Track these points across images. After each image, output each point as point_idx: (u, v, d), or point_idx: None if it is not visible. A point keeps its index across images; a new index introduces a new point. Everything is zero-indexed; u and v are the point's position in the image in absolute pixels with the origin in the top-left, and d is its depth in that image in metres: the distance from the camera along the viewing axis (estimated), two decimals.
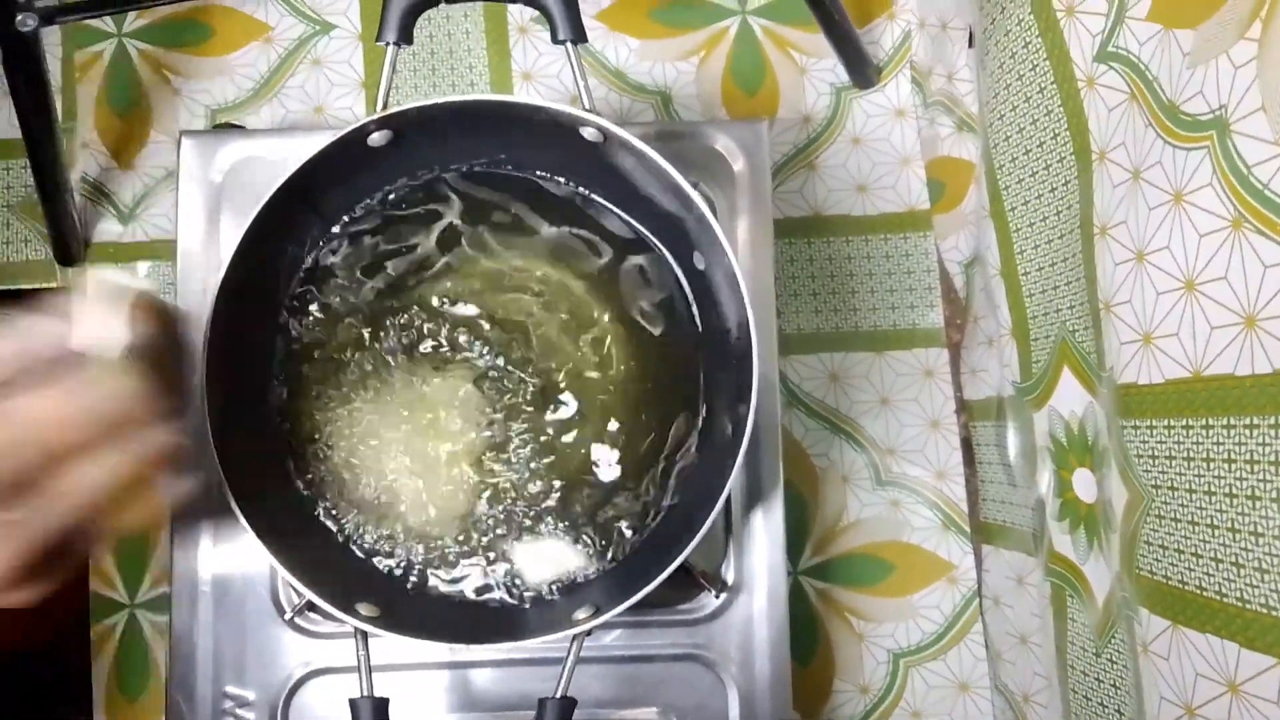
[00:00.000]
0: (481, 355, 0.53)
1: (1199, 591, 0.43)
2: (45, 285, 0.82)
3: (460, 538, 0.52)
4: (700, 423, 0.53)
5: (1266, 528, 0.40)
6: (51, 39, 0.83)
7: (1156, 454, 0.47)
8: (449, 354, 0.53)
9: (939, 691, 0.76)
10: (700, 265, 0.51)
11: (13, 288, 0.82)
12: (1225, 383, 0.41)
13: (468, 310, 0.53)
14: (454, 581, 0.51)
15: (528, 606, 0.51)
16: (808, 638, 0.76)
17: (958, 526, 0.77)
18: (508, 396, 0.53)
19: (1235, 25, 0.40)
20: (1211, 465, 0.43)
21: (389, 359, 0.53)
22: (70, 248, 0.79)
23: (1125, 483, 0.50)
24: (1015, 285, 0.64)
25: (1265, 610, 0.40)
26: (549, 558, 0.51)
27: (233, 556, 0.56)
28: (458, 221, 0.54)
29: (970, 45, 0.72)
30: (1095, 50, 0.52)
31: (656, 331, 0.53)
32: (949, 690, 0.76)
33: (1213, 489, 0.43)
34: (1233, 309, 0.41)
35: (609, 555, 0.52)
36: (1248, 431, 0.41)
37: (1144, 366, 0.47)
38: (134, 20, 0.84)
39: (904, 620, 0.77)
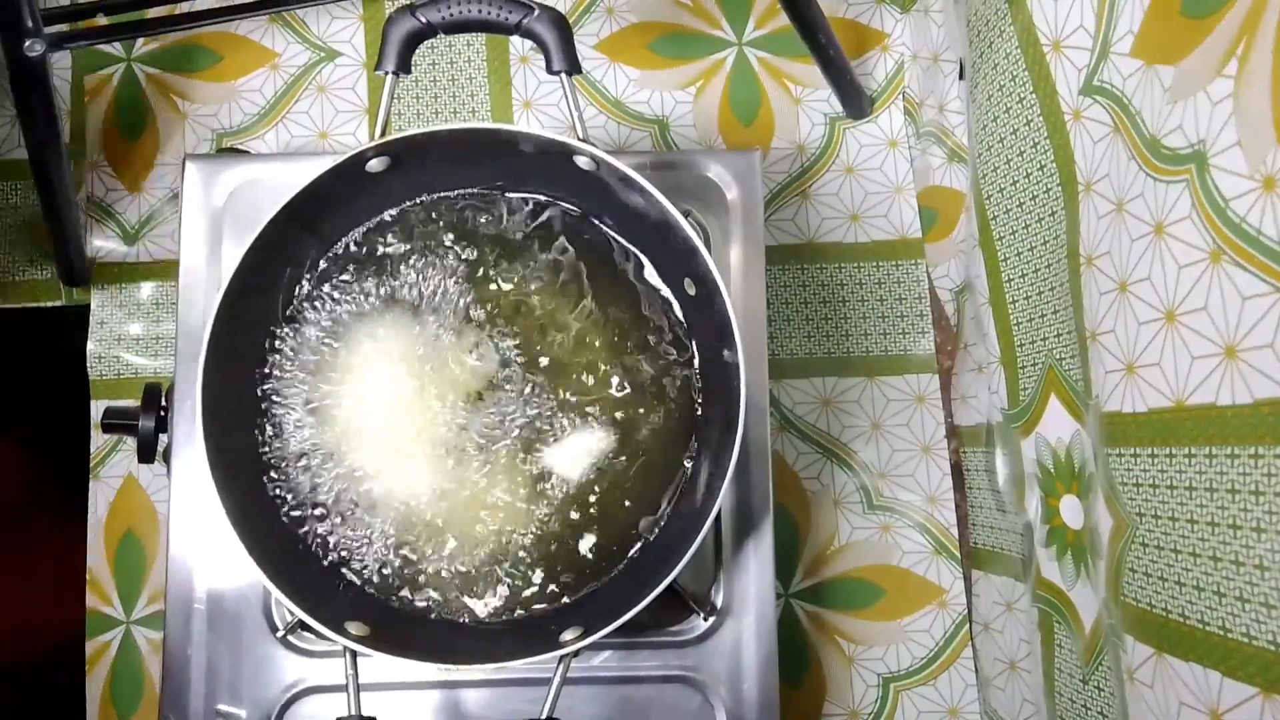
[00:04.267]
0: (477, 378, 0.53)
1: (1182, 620, 0.44)
2: (50, 304, 0.83)
3: (449, 558, 0.52)
4: (693, 445, 0.54)
5: (1247, 557, 0.40)
6: (61, 62, 0.85)
7: (1141, 482, 0.47)
8: (445, 376, 0.53)
9: (929, 716, 0.76)
10: (691, 291, 0.52)
11: (18, 306, 0.83)
12: (1208, 413, 0.42)
13: (465, 335, 0.54)
14: (444, 602, 0.52)
15: (515, 626, 0.51)
16: (797, 660, 0.76)
17: (948, 551, 0.78)
18: (501, 420, 0.53)
19: (1213, 62, 0.41)
20: (1194, 494, 0.43)
21: (384, 379, 0.53)
22: (75, 268, 0.80)
23: (1111, 510, 0.50)
24: (1003, 313, 0.64)
25: (1246, 640, 0.40)
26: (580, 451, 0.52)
27: (227, 573, 0.57)
28: (454, 246, 0.55)
29: (961, 77, 0.74)
30: (1081, 84, 0.53)
31: (649, 357, 0.54)
32: (939, 715, 0.76)
33: (1195, 517, 0.43)
34: (1213, 340, 0.41)
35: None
36: (1229, 461, 0.41)
37: (1128, 395, 0.47)
38: (143, 45, 0.86)
39: (894, 644, 0.77)
